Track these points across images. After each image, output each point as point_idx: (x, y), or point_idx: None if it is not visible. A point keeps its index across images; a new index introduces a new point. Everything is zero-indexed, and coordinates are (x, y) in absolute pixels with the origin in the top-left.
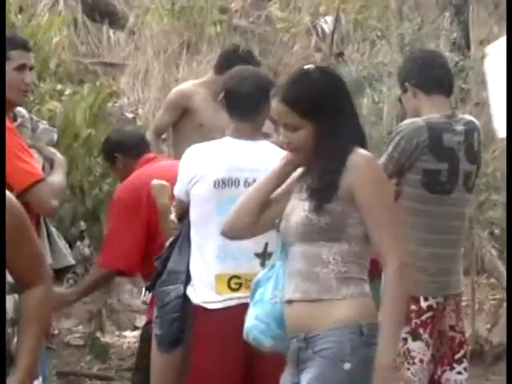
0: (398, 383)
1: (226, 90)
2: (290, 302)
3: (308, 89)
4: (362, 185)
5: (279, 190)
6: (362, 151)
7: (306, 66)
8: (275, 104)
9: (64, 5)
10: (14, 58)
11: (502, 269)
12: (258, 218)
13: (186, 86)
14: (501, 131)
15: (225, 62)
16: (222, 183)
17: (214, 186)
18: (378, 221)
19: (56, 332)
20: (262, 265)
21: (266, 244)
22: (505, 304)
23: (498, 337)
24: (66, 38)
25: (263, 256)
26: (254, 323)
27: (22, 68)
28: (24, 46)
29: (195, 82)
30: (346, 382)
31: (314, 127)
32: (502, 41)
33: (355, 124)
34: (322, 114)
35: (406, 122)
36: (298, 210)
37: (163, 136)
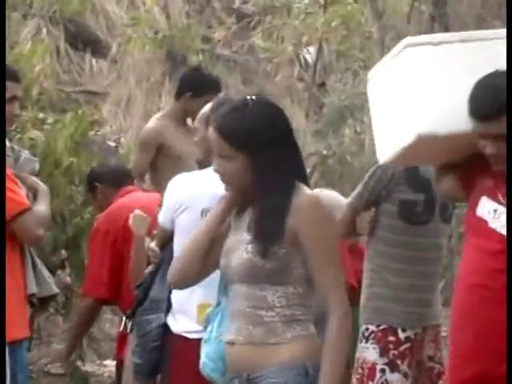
0: None
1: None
2: (232, 343)
3: (243, 121)
4: (307, 227)
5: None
6: (307, 190)
7: (246, 97)
8: (210, 132)
9: (47, 33)
10: (12, 89)
11: None
12: (204, 264)
13: (153, 123)
14: (381, 157)
15: (184, 86)
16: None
17: (202, 215)
18: (322, 265)
19: (34, 360)
20: None
21: None
22: None
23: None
24: (48, 66)
25: None
26: (204, 361)
27: (12, 100)
28: (16, 78)
29: (158, 116)
30: None
31: (247, 160)
32: (379, 64)
33: (296, 158)
34: (256, 147)
35: None
36: (238, 250)
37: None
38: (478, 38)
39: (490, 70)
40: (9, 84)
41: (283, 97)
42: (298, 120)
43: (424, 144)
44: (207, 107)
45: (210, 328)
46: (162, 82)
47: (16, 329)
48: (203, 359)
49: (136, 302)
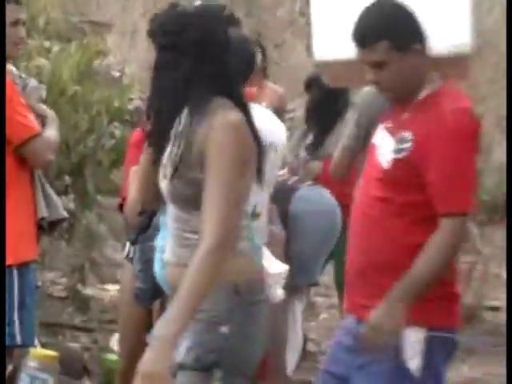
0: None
1: None
2: (167, 263)
3: (167, 20)
4: (209, 148)
5: None
6: (227, 112)
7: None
8: None
9: None
10: (8, 12)
11: (474, 232)
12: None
13: None
14: (321, 53)
15: None
16: None
17: None
18: (210, 192)
19: (39, 284)
20: (256, 217)
21: (255, 206)
22: (477, 267)
23: (470, 299)
24: None
25: (252, 216)
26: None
27: (16, 23)
28: (16, 0)
29: None
30: (223, 347)
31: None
32: None
33: (225, 74)
34: (177, 49)
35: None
36: (165, 173)
37: None
38: None
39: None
40: (10, 7)
41: (284, 31)
42: (299, 54)
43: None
44: None
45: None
46: None
47: (25, 251)
48: (157, 268)
49: (140, 229)
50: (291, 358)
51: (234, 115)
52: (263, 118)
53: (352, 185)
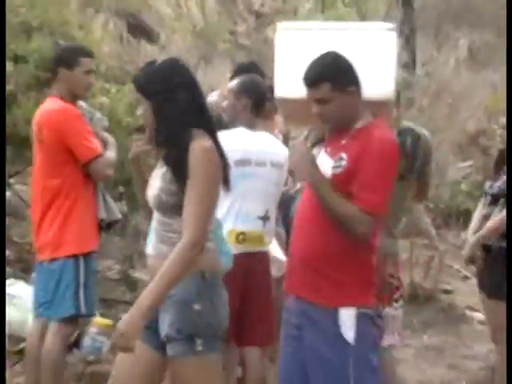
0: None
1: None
2: (149, 255)
3: (147, 73)
4: (192, 173)
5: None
6: (201, 140)
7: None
8: None
9: (113, 24)
10: (84, 63)
11: (433, 233)
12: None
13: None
14: (281, 91)
15: (239, 73)
16: (244, 162)
17: (235, 165)
18: (188, 200)
19: (99, 268)
20: (263, 226)
21: (267, 210)
22: (435, 259)
23: (429, 284)
24: (113, 49)
25: (264, 219)
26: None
27: (89, 72)
28: (91, 55)
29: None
30: (198, 320)
31: (152, 106)
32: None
33: (197, 109)
34: (157, 95)
35: None
36: (154, 185)
37: None
38: (329, 27)
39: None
40: (86, 59)
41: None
42: None
43: (285, 103)
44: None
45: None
46: (199, 64)
47: (89, 244)
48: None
49: None
50: None
51: (206, 142)
52: (271, 143)
53: None
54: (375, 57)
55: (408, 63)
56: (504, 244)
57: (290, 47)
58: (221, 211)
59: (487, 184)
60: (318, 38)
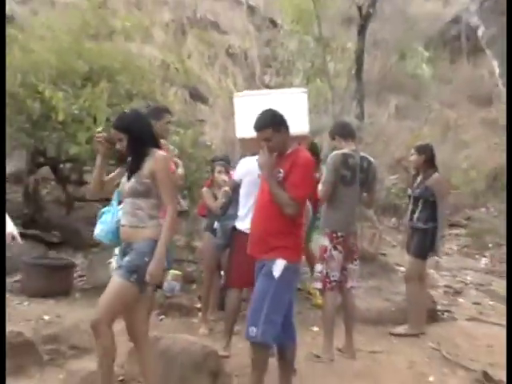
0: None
1: None
2: (123, 225)
3: (121, 118)
4: (158, 170)
5: (114, 173)
6: (160, 152)
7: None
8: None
9: (181, 93)
10: (165, 117)
11: (375, 218)
12: (102, 187)
13: None
14: (240, 133)
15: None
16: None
17: (258, 176)
18: (165, 190)
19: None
20: None
21: None
22: (377, 235)
23: (373, 250)
24: (181, 108)
25: None
26: (99, 232)
27: (168, 123)
28: (169, 112)
29: None
30: (142, 265)
31: (128, 139)
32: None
33: (151, 138)
34: (131, 132)
35: (333, 152)
36: (127, 181)
37: None
38: (268, 93)
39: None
40: (167, 114)
41: None
42: None
43: (243, 140)
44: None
45: (104, 217)
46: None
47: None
48: (98, 230)
49: (220, 214)
50: None
51: (163, 154)
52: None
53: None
54: (295, 108)
55: (359, 115)
56: (420, 225)
57: (244, 106)
58: (247, 205)
59: (409, 190)
60: (261, 100)
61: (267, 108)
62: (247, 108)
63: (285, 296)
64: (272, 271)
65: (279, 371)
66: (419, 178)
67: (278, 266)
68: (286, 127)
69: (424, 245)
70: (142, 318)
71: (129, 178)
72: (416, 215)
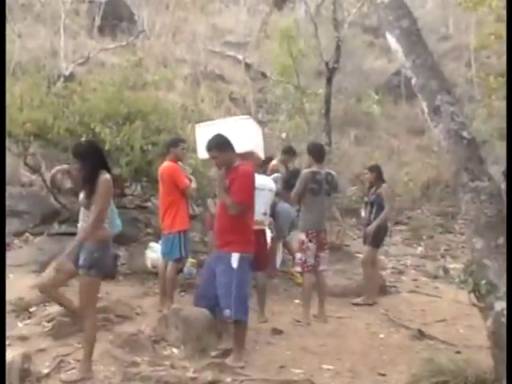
0: None
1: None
2: (80, 228)
3: (79, 148)
4: (99, 189)
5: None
6: (105, 175)
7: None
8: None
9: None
10: (181, 145)
11: (340, 218)
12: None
13: None
14: (200, 155)
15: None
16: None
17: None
18: (96, 201)
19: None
20: (264, 217)
21: (266, 209)
22: (341, 231)
23: (338, 242)
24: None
25: (265, 214)
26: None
27: (183, 149)
28: (184, 141)
29: None
30: (94, 260)
31: (80, 164)
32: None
33: (103, 162)
34: (83, 159)
35: (303, 171)
36: (82, 197)
37: None
38: (220, 122)
39: (220, 133)
40: (182, 143)
41: None
42: None
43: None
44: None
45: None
46: None
47: (186, 225)
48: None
49: None
50: (278, 261)
51: (107, 176)
52: (267, 180)
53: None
54: (242, 132)
55: (327, 143)
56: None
57: (203, 134)
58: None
59: (365, 198)
60: (215, 128)
61: (216, 134)
62: (205, 135)
63: (245, 278)
64: (231, 263)
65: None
66: (373, 190)
67: (234, 258)
68: (230, 147)
69: (377, 238)
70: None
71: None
72: (372, 216)
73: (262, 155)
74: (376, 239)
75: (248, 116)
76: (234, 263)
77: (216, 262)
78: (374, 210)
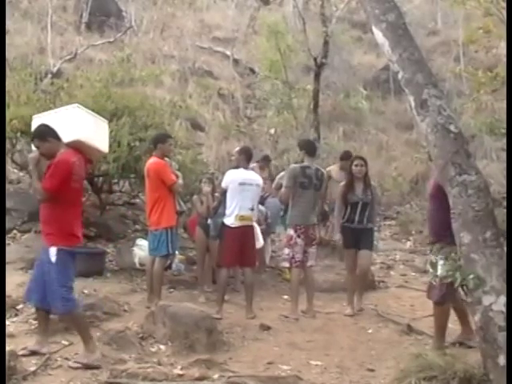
0: None
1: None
2: None
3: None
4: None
5: None
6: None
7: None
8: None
9: (184, 123)
10: (169, 141)
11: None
12: None
13: None
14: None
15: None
16: (242, 183)
17: (239, 184)
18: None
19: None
20: (251, 212)
21: (253, 205)
22: (330, 227)
23: (327, 238)
24: (183, 134)
25: (252, 209)
26: None
27: (171, 145)
28: (171, 137)
29: None
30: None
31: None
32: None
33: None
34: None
35: (291, 165)
36: None
37: None
38: (51, 112)
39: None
40: (170, 139)
41: None
42: None
43: None
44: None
45: None
46: (222, 141)
47: (172, 222)
48: None
49: (212, 213)
50: (267, 256)
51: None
52: (254, 175)
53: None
54: (69, 121)
55: (316, 138)
56: (370, 225)
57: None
58: (231, 206)
59: (354, 197)
60: (48, 119)
61: (38, 124)
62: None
63: (67, 271)
64: (50, 258)
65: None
66: (360, 186)
67: (52, 253)
68: (52, 136)
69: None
70: None
71: None
72: (365, 218)
73: (101, 146)
74: (371, 241)
75: (77, 105)
76: (53, 257)
77: (42, 255)
78: (367, 211)
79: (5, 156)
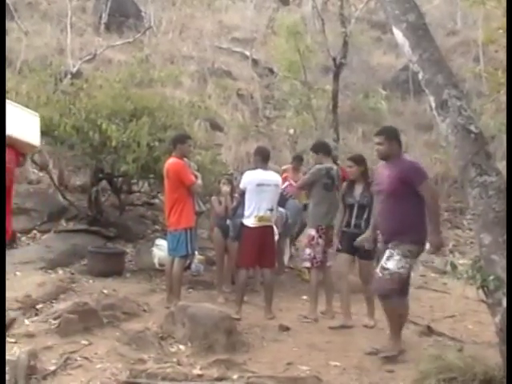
0: None
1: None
2: None
3: None
4: None
5: None
6: None
7: None
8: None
9: (203, 124)
10: (188, 142)
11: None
12: None
13: None
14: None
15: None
16: (260, 184)
17: (257, 185)
18: None
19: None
20: (270, 213)
21: (272, 205)
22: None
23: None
24: (203, 135)
25: (271, 210)
26: None
27: (190, 146)
28: (191, 138)
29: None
30: None
31: None
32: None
33: None
34: None
35: (317, 166)
36: None
37: None
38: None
39: None
40: (189, 140)
41: None
42: None
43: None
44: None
45: None
46: (241, 141)
47: (191, 222)
48: None
49: (231, 214)
50: (286, 257)
51: None
52: (273, 175)
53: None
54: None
55: (335, 139)
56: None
57: None
58: (250, 207)
59: (350, 198)
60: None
61: None
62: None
63: None
64: None
65: None
66: (360, 188)
67: None
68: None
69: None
70: None
71: None
72: (363, 222)
73: (32, 140)
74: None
75: (8, 100)
76: None
77: None
78: (365, 214)
79: (5, 156)
